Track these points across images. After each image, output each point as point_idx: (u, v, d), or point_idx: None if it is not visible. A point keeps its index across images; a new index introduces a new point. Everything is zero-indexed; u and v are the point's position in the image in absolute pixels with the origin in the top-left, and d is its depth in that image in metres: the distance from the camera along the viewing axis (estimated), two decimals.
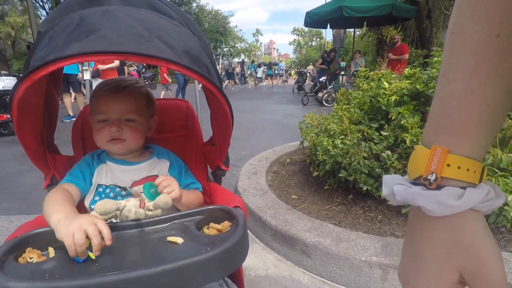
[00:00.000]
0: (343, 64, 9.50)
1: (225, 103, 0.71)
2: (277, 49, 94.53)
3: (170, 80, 9.47)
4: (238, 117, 6.24)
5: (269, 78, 19.84)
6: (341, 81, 11.41)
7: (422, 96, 1.98)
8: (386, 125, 2.01)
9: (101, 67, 5.80)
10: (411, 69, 2.27)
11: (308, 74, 14.22)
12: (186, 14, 0.84)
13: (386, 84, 2.12)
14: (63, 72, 4.56)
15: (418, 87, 1.94)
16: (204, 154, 1.05)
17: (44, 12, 21.27)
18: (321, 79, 8.70)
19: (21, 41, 17.41)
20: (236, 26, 39.17)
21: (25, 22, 16.43)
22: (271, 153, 3.06)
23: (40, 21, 19.65)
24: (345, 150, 1.93)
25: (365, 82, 2.49)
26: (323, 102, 8.38)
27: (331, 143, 2.03)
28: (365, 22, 9.82)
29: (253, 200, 2.03)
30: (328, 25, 9.94)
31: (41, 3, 20.95)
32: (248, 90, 16.00)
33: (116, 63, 5.94)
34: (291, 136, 4.58)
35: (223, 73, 16.42)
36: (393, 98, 2.00)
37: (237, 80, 18.70)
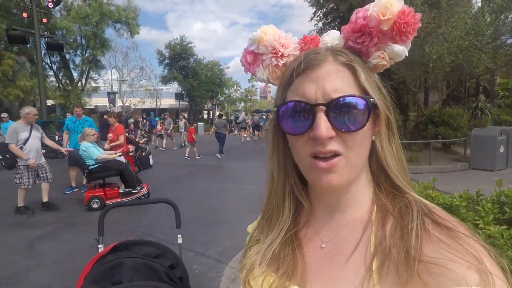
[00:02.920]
0: None
1: None
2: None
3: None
4: (225, 191, 6.89)
5: None
6: None
7: None
8: None
9: (107, 147, 6.51)
10: None
11: None
12: None
13: None
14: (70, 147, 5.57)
15: None
16: None
17: (52, 72, 22.65)
18: None
19: (30, 101, 18.50)
20: (231, 78, 41.87)
21: (33, 84, 17.46)
22: None
23: (48, 81, 20.35)
24: None
25: None
26: None
27: None
28: None
29: None
30: None
31: (49, 64, 22.41)
32: (245, 145, 16.79)
33: (121, 140, 6.52)
34: None
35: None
36: None
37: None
